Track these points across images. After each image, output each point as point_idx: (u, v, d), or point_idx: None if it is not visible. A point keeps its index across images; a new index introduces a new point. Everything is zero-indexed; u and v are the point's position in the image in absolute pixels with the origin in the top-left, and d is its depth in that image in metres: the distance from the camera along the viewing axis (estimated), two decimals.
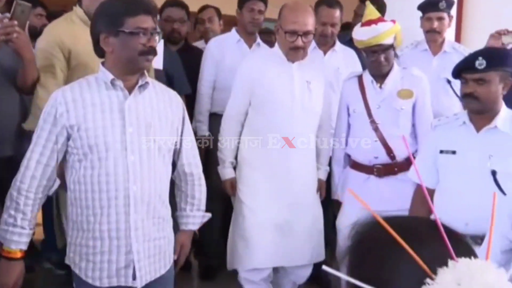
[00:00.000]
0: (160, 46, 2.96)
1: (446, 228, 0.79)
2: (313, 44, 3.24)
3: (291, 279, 2.92)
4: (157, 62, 3.04)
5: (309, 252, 2.78)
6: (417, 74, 2.80)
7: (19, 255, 1.84)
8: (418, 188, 2.45)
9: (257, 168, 2.70)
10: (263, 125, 2.67)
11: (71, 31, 2.49)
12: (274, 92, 2.63)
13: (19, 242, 1.83)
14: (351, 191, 2.71)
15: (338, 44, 3.38)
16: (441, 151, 2.31)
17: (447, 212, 2.16)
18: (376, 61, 2.69)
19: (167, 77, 2.97)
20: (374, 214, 0.79)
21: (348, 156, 2.91)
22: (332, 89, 3.09)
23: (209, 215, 2.17)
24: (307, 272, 2.87)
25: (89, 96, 1.83)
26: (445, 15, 3.33)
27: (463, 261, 0.74)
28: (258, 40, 3.51)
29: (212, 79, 3.39)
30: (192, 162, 2.08)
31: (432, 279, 0.72)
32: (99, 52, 1.88)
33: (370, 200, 2.65)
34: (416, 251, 0.74)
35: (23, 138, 2.50)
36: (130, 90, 1.86)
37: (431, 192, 2.37)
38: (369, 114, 2.73)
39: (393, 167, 2.71)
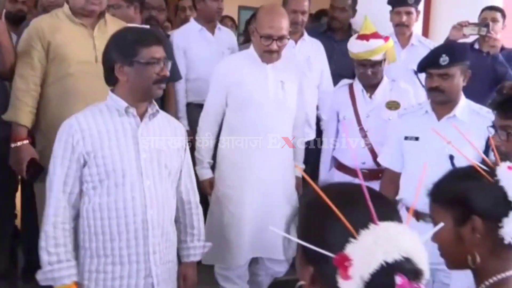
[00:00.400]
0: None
1: (375, 195, 0.90)
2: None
3: (268, 273, 2.97)
4: None
5: None
6: (404, 87, 2.97)
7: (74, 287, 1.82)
8: (386, 171, 2.67)
9: (235, 166, 2.73)
10: (240, 124, 2.71)
11: (54, 24, 2.59)
12: (250, 93, 2.66)
13: (70, 275, 1.82)
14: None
15: (306, 34, 3.50)
16: (406, 138, 2.51)
17: (410, 192, 2.40)
18: (364, 73, 2.86)
19: None
20: (312, 183, 0.92)
21: (334, 158, 3.07)
22: (305, 76, 3.19)
23: (209, 244, 2.18)
24: (283, 268, 2.92)
25: (102, 122, 1.87)
26: (413, 9, 3.52)
27: (384, 224, 0.85)
28: (219, 25, 3.63)
29: (183, 72, 3.44)
30: (189, 188, 2.11)
31: (355, 238, 0.84)
32: (111, 80, 1.91)
33: None
34: (347, 214, 0.85)
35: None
36: (140, 117, 1.91)
37: (398, 175, 2.58)
38: (359, 122, 2.89)
39: (378, 172, 2.80)
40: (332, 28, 3.84)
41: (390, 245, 0.83)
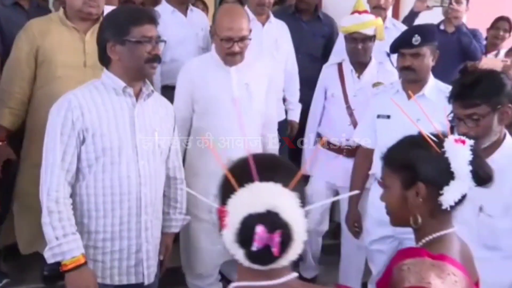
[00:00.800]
0: None
1: (266, 163, 1.08)
2: (251, 15, 3.36)
3: None
4: None
5: None
6: (390, 69, 3.09)
7: (83, 259, 1.82)
8: (361, 148, 2.80)
9: (202, 174, 2.54)
10: (205, 129, 2.57)
11: (45, 28, 2.58)
12: (214, 97, 2.56)
13: (78, 247, 1.82)
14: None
15: (272, 16, 3.55)
16: (378, 116, 2.64)
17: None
18: (354, 48, 2.98)
19: None
20: (216, 155, 1.08)
21: (319, 134, 3.18)
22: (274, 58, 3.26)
23: (188, 218, 2.28)
24: None
25: (100, 100, 1.89)
26: None
27: (260, 184, 1.00)
28: (191, 6, 3.59)
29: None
30: (176, 165, 2.18)
31: (235, 192, 1.01)
32: (105, 60, 1.92)
33: (336, 175, 3.04)
34: (239, 178, 1.02)
35: None
36: (136, 97, 1.95)
37: (372, 151, 2.71)
38: (346, 100, 3.01)
39: None
40: (300, 10, 3.90)
41: (257, 199, 0.98)
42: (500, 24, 4.39)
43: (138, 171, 1.93)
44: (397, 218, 1.42)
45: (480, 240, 1.86)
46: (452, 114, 1.88)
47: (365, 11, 3.08)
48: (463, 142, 1.37)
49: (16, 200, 2.77)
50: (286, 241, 0.98)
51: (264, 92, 2.68)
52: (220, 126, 2.53)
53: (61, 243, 1.80)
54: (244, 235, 0.98)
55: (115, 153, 1.88)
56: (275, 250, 0.97)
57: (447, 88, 2.56)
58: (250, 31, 2.54)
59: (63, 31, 2.58)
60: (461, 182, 1.33)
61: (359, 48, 2.99)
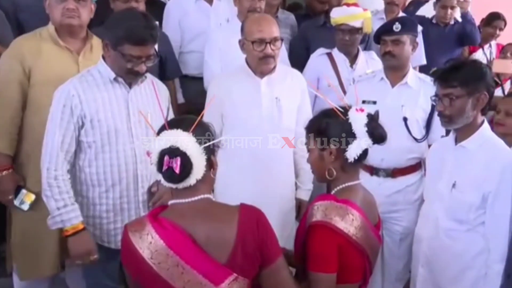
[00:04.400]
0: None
1: (178, 119, 1.62)
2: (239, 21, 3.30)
3: None
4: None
5: None
6: (375, 58, 3.22)
7: (81, 226, 2.06)
8: None
9: (228, 188, 2.41)
10: (234, 146, 2.42)
11: (36, 47, 2.40)
12: (242, 110, 2.45)
13: (77, 216, 2.05)
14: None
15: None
16: (363, 101, 2.79)
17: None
18: (342, 39, 3.14)
19: (159, 60, 2.84)
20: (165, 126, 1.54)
21: None
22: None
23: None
24: None
25: (97, 89, 2.07)
26: None
27: (170, 130, 1.46)
28: None
29: (177, 45, 3.32)
30: None
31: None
32: (103, 48, 2.10)
33: None
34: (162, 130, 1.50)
35: None
36: (129, 83, 2.12)
37: None
38: (343, 90, 3.10)
39: None
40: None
41: (165, 139, 1.45)
42: (497, 23, 4.61)
43: (134, 150, 2.13)
44: (319, 174, 1.77)
45: (451, 214, 2.08)
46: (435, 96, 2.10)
47: (355, 4, 3.22)
48: (362, 110, 1.72)
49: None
50: (185, 164, 1.44)
51: (295, 108, 2.56)
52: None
53: (62, 213, 2.05)
54: (159, 164, 1.45)
55: (112, 135, 2.09)
56: (176, 169, 1.43)
57: (426, 77, 2.76)
58: (282, 39, 2.45)
59: (55, 51, 2.42)
60: (361, 141, 1.69)
61: (347, 39, 3.14)
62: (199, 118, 1.55)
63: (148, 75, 2.22)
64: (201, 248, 1.44)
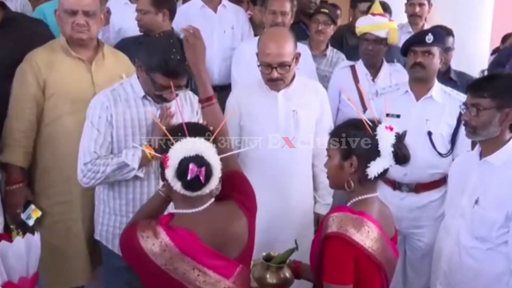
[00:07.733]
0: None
1: (196, 127, 1.63)
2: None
3: None
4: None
5: None
6: (400, 70, 3.19)
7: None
8: None
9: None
10: (251, 159, 2.45)
11: (49, 59, 2.43)
12: (258, 123, 2.46)
13: (135, 151, 2.08)
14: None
15: (225, 0, 3.53)
16: (387, 115, 2.76)
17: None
18: (366, 49, 3.12)
19: None
20: (160, 125, 1.71)
21: None
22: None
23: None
24: None
25: (128, 110, 2.12)
26: (425, 1, 3.91)
27: (190, 138, 1.51)
28: (224, 1, 3.51)
29: None
30: None
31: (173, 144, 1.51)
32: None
33: None
34: (178, 135, 1.54)
35: None
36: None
37: None
38: (363, 104, 3.03)
39: None
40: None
41: (188, 147, 1.50)
42: None
43: (153, 167, 2.18)
44: (335, 181, 1.77)
45: (472, 231, 2.03)
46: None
47: (381, 14, 3.20)
48: (391, 129, 1.69)
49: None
50: (208, 174, 1.50)
51: (314, 120, 2.54)
52: (263, 155, 2.46)
53: (123, 160, 2.09)
54: (181, 171, 1.48)
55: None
56: (202, 178, 1.48)
57: (452, 91, 2.71)
58: (296, 57, 2.41)
59: (68, 62, 2.45)
60: (384, 159, 1.66)
61: (370, 49, 3.12)
62: (218, 128, 1.61)
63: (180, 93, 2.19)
64: (216, 250, 1.54)
